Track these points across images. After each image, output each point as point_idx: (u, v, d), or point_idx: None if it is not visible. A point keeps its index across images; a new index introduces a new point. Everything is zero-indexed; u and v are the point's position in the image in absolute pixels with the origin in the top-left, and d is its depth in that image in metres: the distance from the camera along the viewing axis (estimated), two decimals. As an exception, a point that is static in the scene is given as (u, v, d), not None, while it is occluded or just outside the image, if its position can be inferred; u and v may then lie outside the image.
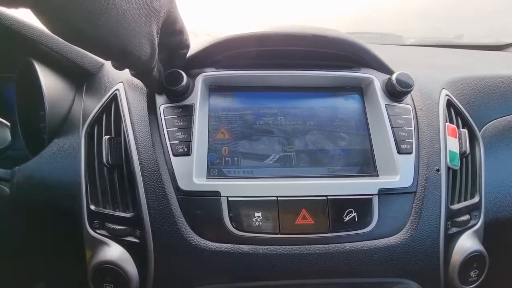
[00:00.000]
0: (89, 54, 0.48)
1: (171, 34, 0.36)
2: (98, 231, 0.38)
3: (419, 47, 0.84)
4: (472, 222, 0.42)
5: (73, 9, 0.25)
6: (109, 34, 0.28)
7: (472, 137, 0.47)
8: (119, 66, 0.36)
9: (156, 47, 0.34)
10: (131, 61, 0.33)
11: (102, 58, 0.35)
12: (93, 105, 0.44)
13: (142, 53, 0.32)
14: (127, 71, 0.38)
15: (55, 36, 0.44)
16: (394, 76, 0.43)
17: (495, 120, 0.53)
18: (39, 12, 0.25)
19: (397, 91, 0.43)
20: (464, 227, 0.41)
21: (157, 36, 0.33)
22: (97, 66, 0.49)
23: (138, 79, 0.40)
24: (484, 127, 0.52)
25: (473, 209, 0.43)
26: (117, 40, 0.29)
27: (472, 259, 0.40)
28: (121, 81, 0.44)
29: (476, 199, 0.43)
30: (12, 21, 0.43)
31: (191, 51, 0.43)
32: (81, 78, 0.49)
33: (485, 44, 0.92)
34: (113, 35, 0.28)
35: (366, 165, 0.42)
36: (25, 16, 0.44)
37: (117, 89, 0.43)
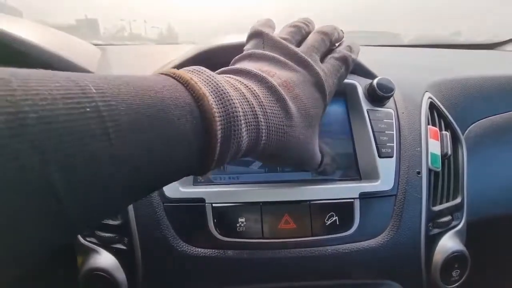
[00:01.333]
0: (78, 64, 0.49)
1: None
2: (88, 238, 0.39)
3: (409, 48, 0.85)
4: (454, 223, 0.43)
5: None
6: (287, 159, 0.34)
7: (455, 139, 0.47)
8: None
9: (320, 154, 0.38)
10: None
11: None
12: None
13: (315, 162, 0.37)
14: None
15: (46, 48, 0.46)
16: (375, 81, 0.44)
17: (479, 121, 0.53)
18: None
19: (378, 96, 0.43)
20: (445, 228, 0.42)
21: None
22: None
23: None
24: (469, 128, 0.52)
25: (455, 210, 0.43)
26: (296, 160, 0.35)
27: (453, 259, 0.40)
28: None
29: (458, 200, 0.44)
30: (3, 35, 0.44)
31: (178, 60, 0.44)
32: None
33: (478, 42, 0.92)
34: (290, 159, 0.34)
35: (349, 169, 0.43)
36: (16, 30, 0.45)
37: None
